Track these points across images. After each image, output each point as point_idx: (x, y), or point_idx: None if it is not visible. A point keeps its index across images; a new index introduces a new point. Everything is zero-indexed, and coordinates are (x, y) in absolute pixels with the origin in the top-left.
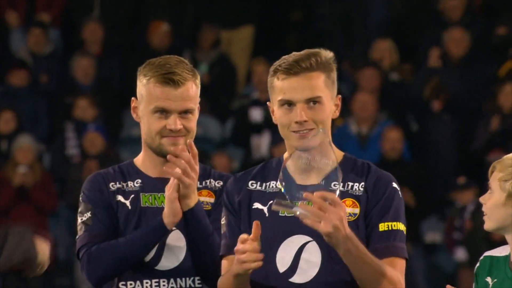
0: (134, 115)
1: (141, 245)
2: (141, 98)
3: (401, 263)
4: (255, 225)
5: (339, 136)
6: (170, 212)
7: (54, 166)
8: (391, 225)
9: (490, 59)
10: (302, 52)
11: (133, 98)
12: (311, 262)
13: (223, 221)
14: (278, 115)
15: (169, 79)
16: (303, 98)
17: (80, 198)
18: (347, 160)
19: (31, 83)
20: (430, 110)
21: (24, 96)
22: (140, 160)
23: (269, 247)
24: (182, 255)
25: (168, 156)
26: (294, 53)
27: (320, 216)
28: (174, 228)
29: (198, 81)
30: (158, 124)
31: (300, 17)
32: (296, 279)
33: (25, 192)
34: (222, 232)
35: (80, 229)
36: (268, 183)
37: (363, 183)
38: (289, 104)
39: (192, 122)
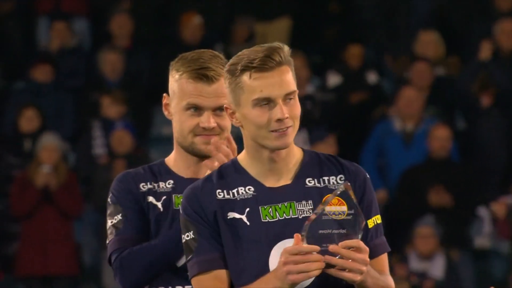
0: (165, 113)
1: (173, 248)
2: (173, 94)
3: (386, 258)
4: (297, 237)
5: (382, 132)
6: None
7: (79, 167)
8: (376, 219)
9: None
10: (264, 47)
11: (164, 95)
12: None
13: (189, 236)
14: (252, 116)
15: (202, 75)
16: (282, 94)
17: (109, 200)
18: (308, 154)
19: (55, 79)
20: (478, 106)
21: (48, 92)
22: (172, 160)
23: (260, 254)
24: None
25: (208, 147)
26: (247, 50)
27: (346, 265)
28: None
29: None
30: (191, 121)
31: (339, 8)
32: None
33: (49, 194)
34: (191, 248)
35: (111, 233)
36: (235, 190)
37: (341, 176)
38: (267, 101)
39: (227, 119)
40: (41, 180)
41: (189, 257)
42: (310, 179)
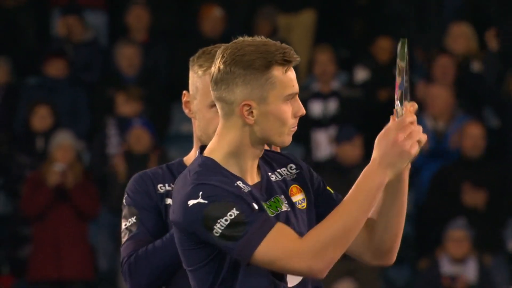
0: (186, 110)
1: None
2: (196, 91)
3: None
4: (393, 118)
5: None
6: None
7: (94, 166)
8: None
9: None
10: (272, 42)
11: (184, 92)
12: None
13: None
14: (281, 111)
15: None
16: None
17: (124, 201)
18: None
19: (70, 74)
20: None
21: (62, 88)
22: (191, 160)
23: None
24: None
25: None
26: (251, 44)
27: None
28: None
29: None
30: (218, 120)
31: (367, 0)
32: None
33: (63, 194)
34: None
35: (124, 236)
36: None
37: (291, 165)
38: (294, 97)
39: None
40: (54, 179)
41: (243, 232)
42: (271, 174)
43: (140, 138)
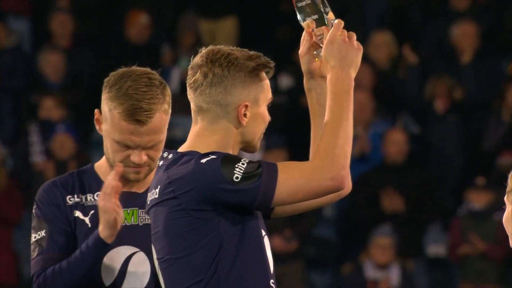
0: (97, 127)
1: (84, 266)
2: (105, 119)
3: None
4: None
5: None
6: (106, 224)
7: (18, 172)
8: None
9: (500, 54)
10: (236, 48)
11: (96, 111)
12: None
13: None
14: (266, 115)
15: (134, 120)
16: None
17: (34, 211)
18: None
19: None
20: (432, 111)
21: None
22: (102, 169)
23: None
24: (146, 279)
25: (138, 177)
26: (237, 50)
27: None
28: (137, 250)
29: (168, 99)
30: (121, 154)
31: (290, 7)
32: None
33: None
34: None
35: (34, 250)
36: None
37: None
38: None
39: (159, 151)
40: None
41: (260, 169)
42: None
43: (64, 143)
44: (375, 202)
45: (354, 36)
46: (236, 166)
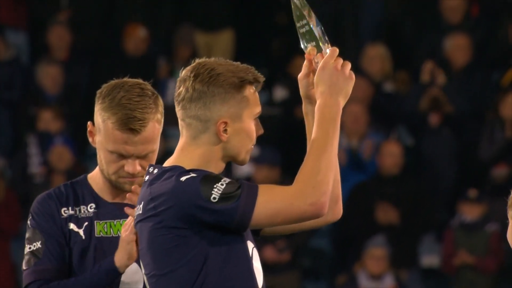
0: (90, 139)
1: (98, 284)
2: (98, 130)
3: None
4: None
5: None
6: (125, 254)
7: (16, 183)
8: None
9: (492, 67)
10: (228, 61)
11: (89, 123)
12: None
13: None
14: (252, 129)
15: (128, 129)
16: None
17: (29, 222)
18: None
19: None
20: (427, 124)
21: None
22: (96, 180)
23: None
24: None
25: (133, 187)
26: (222, 63)
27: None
28: None
29: (161, 109)
30: (115, 165)
31: (287, 19)
32: None
33: None
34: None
35: (28, 260)
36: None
37: None
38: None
39: (152, 161)
40: None
41: (240, 190)
42: None
43: (62, 156)
44: (369, 213)
45: (348, 66)
46: (215, 186)
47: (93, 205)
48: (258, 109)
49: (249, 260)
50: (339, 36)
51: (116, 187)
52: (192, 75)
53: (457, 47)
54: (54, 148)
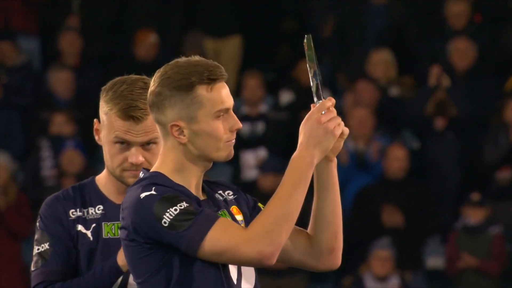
0: (96, 137)
1: (104, 284)
2: (103, 125)
3: None
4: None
5: None
6: None
7: (28, 187)
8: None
9: (496, 72)
10: (197, 60)
11: (95, 120)
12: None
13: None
14: (213, 128)
15: (129, 116)
16: (233, 104)
17: (37, 224)
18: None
19: (3, 97)
20: (432, 128)
21: None
22: (103, 181)
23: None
24: None
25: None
26: (175, 66)
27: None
28: None
29: None
30: (119, 156)
31: (294, 25)
32: None
33: None
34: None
35: (36, 262)
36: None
37: (228, 191)
38: (226, 112)
39: (155, 154)
40: None
41: (191, 221)
42: (214, 193)
43: (73, 159)
44: (375, 216)
45: (335, 121)
46: (168, 210)
47: (101, 207)
48: (220, 106)
49: (219, 268)
50: (345, 42)
51: (122, 183)
52: (152, 80)
53: (461, 52)
54: (66, 152)
